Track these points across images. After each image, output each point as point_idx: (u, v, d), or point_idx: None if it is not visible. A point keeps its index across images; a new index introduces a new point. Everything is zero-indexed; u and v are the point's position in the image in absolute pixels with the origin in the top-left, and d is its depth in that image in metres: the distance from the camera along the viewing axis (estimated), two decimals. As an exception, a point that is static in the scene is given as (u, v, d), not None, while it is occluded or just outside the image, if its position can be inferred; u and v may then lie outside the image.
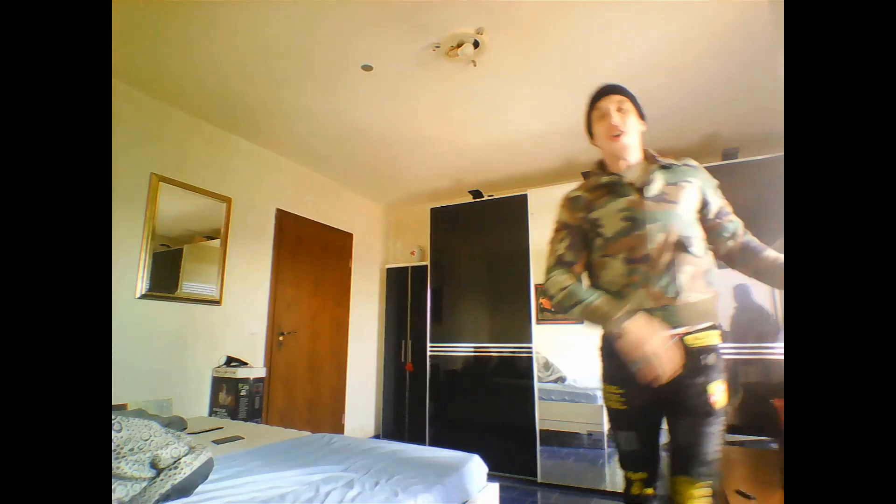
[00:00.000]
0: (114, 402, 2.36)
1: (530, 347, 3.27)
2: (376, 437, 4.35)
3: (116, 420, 1.22)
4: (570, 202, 1.31)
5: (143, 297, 2.59)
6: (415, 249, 4.61)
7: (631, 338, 1.06)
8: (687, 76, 2.49)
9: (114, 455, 1.14)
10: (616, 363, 1.15)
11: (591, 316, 1.15)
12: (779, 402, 1.91)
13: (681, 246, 1.15)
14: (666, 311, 1.12)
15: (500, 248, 3.58)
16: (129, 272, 2.54)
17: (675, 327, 1.11)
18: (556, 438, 3.17)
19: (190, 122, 2.96)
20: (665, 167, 1.25)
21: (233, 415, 2.81)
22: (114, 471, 1.13)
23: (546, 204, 3.43)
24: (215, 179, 3.09)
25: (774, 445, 2.36)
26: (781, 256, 1.17)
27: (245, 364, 3.04)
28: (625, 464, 1.25)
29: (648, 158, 1.30)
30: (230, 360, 3.02)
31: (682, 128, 3.09)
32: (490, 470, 1.92)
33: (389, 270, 4.60)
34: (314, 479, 1.48)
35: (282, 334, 3.49)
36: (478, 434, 3.37)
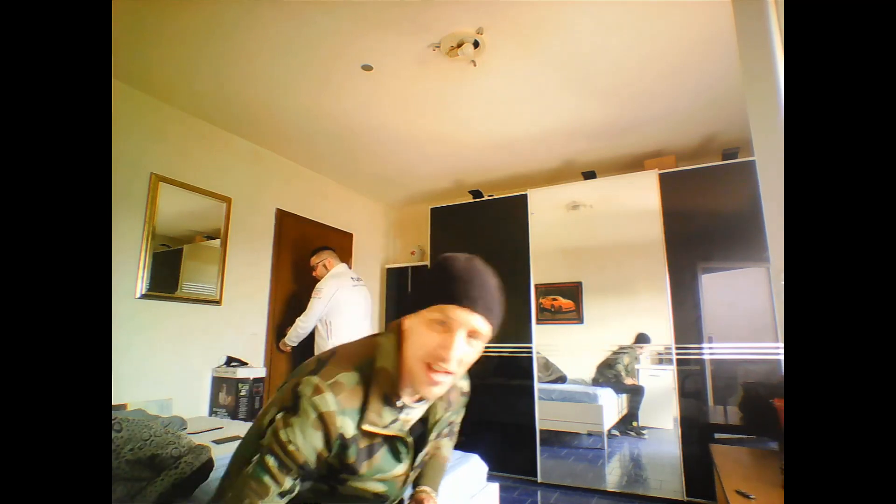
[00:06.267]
0: (114, 402, 2.36)
1: (530, 347, 3.27)
2: (376, 437, 4.33)
3: (116, 420, 1.22)
4: (336, 417, 0.76)
5: (143, 297, 2.59)
6: (415, 249, 4.61)
7: None
8: (687, 76, 2.48)
9: (114, 455, 1.14)
10: None
11: None
12: (779, 402, 1.91)
13: None
14: None
15: (500, 248, 3.58)
16: (129, 272, 2.54)
17: None
18: (556, 438, 3.17)
19: (190, 122, 2.96)
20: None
21: (233, 415, 2.81)
22: (114, 471, 1.13)
23: (546, 204, 3.43)
24: (215, 179, 3.09)
25: (774, 445, 2.36)
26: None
27: (245, 364, 3.04)
28: None
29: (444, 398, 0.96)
30: (230, 360, 3.02)
31: (682, 128, 3.09)
32: (490, 470, 1.92)
33: (389, 270, 4.59)
34: (314, 479, 1.48)
35: (282, 334, 3.49)
36: (478, 434, 3.37)
